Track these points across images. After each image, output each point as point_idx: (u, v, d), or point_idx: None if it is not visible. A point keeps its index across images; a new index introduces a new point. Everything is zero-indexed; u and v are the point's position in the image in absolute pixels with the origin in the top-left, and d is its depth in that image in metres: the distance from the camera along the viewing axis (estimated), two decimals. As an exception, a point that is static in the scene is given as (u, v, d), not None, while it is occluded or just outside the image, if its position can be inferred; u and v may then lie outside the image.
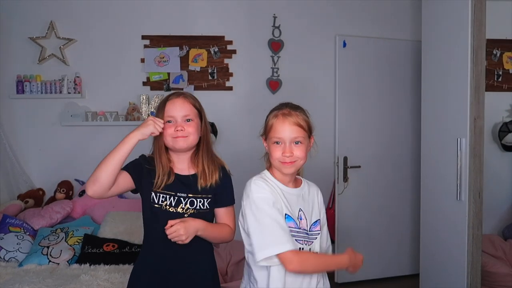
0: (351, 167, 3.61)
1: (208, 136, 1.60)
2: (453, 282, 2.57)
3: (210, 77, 3.58)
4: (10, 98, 3.42)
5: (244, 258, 3.55)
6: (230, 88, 3.60)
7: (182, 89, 3.55)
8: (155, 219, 1.51)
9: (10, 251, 2.74)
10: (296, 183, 1.53)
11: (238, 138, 3.61)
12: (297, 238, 1.40)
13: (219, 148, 3.54)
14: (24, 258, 2.69)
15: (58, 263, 2.65)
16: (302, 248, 1.41)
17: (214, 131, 3.45)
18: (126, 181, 1.48)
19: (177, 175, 1.53)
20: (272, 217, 1.35)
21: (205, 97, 3.56)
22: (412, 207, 3.71)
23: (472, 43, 2.43)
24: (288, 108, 1.50)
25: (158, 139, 1.52)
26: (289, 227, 1.39)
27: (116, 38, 3.50)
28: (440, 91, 2.73)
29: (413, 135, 3.68)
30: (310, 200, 1.52)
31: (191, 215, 1.50)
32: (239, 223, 1.49)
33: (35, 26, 3.42)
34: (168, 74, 3.54)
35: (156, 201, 1.50)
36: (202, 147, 1.57)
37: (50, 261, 2.65)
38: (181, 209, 1.50)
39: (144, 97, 3.48)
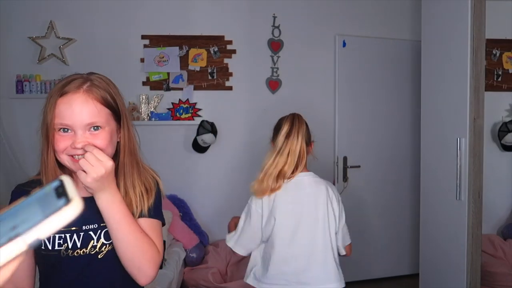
0: (351, 167, 3.61)
1: (132, 143, 1.08)
2: (452, 281, 2.57)
3: (209, 77, 3.57)
4: (10, 98, 3.42)
5: (243, 258, 3.56)
6: (230, 88, 3.60)
7: (181, 89, 3.55)
8: (53, 271, 1.07)
9: (9, 251, 2.73)
10: None
11: (238, 137, 3.61)
12: None
13: (219, 148, 3.59)
14: (23, 258, 2.68)
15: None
16: None
17: (214, 131, 3.45)
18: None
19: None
20: None
21: (205, 97, 3.58)
22: (412, 207, 3.72)
23: (472, 43, 2.43)
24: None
25: (46, 154, 1.03)
26: None
27: (115, 38, 3.50)
28: (440, 91, 2.73)
29: (413, 135, 3.68)
30: None
31: (108, 253, 1.04)
32: (332, 219, 1.76)
33: (35, 26, 3.42)
34: (168, 74, 3.54)
35: (50, 247, 1.02)
36: (123, 162, 1.06)
37: (49, 261, 2.65)
38: (93, 249, 1.04)
39: (143, 97, 3.48)
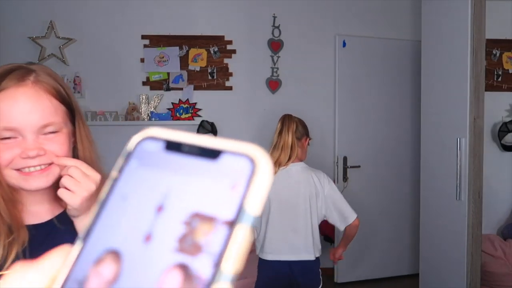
0: (351, 167, 3.61)
1: (93, 149, 0.88)
2: (452, 281, 2.57)
3: (209, 77, 3.57)
4: (10, 98, 3.42)
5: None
6: (230, 88, 3.60)
7: (181, 89, 3.55)
8: None
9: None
10: None
11: (238, 137, 3.60)
12: None
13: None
14: (23, 258, 2.68)
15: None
16: None
17: (214, 131, 3.45)
18: None
19: (32, 229, 0.79)
20: None
21: (205, 97, 3.58)
22: (412, 207, 3.72)
23: (472, 43, 2.43)
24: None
25: None
26: None
27: (116, 38, 3.50)
28: (440, 91, 2.73)
29: (413, 135, 3.68)
30: None
31: None
32: (317, 206, 2.10)
33: (35, 26, 3.42)
34: (168, 73, 3.54)
35: None
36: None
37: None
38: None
39: (143, 96, 3.48)
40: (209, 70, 3.57)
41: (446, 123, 2.65)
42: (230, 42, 3.58)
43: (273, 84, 3.64)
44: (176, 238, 0.21)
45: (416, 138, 3.44)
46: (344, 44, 3.57)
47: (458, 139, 2.50)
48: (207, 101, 3.58)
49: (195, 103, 3.56)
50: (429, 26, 2.85)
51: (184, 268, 0.20)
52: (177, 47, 3.53)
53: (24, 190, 0.79)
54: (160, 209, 0.22)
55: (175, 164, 0.23)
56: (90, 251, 0.22)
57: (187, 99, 3.55)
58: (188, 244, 0.21)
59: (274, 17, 3.62)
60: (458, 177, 2.50)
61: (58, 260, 0.22)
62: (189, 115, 3.54)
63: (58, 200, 0.81)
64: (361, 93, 3.63)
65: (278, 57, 3.64)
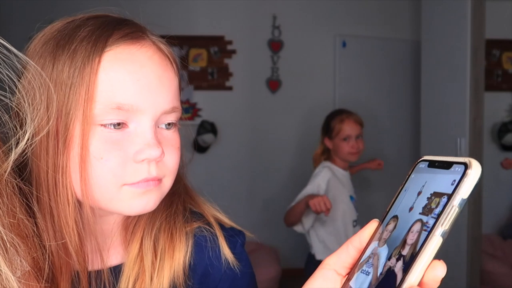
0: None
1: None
2: (452, 281, 2.57)
3: (210, 77, 3.58)
4: (10, 98, 3.42)
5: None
6: (230, 88, 3.60)
7: (182, 89, 3.55)
8: None
9: (9, 251, 2.73)
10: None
11: (238, 137, 3.62)
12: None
13: (219, 148, 3.59)
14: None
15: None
16: (355, 221, 2.08)
17: (214, 131, 3.46)
18: None
19: (102, 275, 0.55)
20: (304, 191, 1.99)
21: (205, 97, 3.58)
22: (412, 207, 3.71)
23: (472, 43, 2.43)
24: (346, 112, 2.19)
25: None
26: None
27: (116, 38, 3.50)
28: (440, 91, 2.73)
29: (413, 135, 3.68)
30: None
31: None
32: None
33: (35, 26, 3.42)
34: (168, 74, 3.54)
35: None
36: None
37: (49, 261, 2.65)
38: None
39: (144, 97, 3.49)
40: (209, 70, 3.57)
41: (446, 123, 2.65)
42: (230, 42, 3.58)
43: (273, 84, 3.65)
44: (422, 206, 0.37)
45: (416, 138, 3.44)
46: (344, 44, 3.57)
47: (458, 139, 2.50)
48: (207, 101, 3.58)
49: (195, 103, 3.56)
50: (428, 26, 2.85)
51: (421, 221, 0.36)
52: (177, 47, 3.53)
53: (127, 212, 0.51)
54: (419, 193, 0.38)
55: (430, 171, 0.40)
56: (387, 219, 0.40)
57: (187, 99, 3.55)
58: (426, 209, 0.36)
59: (274, 17, 3.62)
60: (458, 177, 2.50)
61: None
62: (189, 115, 3.54)
63: (130, 238, 0.56)
64: (361, 93, 3.63)
65: (278, 57, 3.64)
